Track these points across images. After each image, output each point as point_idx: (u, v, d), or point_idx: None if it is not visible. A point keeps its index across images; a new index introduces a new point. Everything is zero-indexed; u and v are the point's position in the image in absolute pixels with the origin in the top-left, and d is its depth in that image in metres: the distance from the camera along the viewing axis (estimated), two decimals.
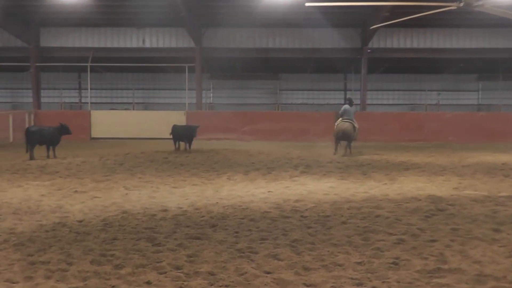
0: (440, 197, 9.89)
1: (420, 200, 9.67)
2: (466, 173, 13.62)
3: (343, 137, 18.01)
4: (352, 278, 5.41)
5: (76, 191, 10.56)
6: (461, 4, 10.87)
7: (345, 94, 34.57)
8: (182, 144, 19.57)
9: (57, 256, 6.16)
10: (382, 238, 6.94)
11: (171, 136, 19.62)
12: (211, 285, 5.27)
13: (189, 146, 19.27)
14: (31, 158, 15.87)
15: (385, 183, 11.82)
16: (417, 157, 17.71)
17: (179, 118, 25.71)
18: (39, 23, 27.37)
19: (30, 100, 29.14)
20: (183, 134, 19.37)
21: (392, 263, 5.89)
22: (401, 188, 11.15)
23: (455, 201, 9.58)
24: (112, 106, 33.18)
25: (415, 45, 27.46)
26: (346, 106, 18.48)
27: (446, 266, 5.78)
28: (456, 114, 27.14)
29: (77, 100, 35.02)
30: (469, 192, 10.69)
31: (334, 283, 5.29)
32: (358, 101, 29.82)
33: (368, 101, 30.67)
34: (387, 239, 6.91)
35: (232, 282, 5.33)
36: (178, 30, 27.45)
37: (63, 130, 16.71)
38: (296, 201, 9.59)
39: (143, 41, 27.82)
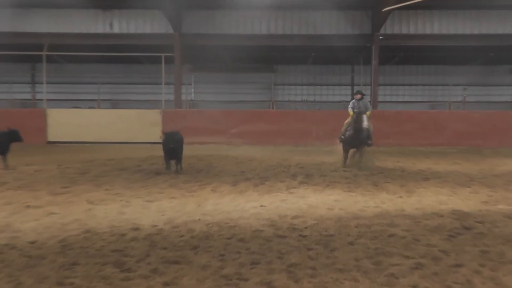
0: (466, 213, 9.90)
1: (442, 216, 9.67)
2: (498, 184, 13.65)
3: (360, 140, 16.56)
4: None
5: (28, 206, 10.47)
6: None
7: (352, 89, 34.73)
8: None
9: (4, 285, 6.10)
10: (397, 262, 6.92)
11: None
12: None
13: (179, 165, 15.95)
14: None
15: (401, 196, 11.82)
16: (438, 164, 17.74)
17: (153, 118, 25.70)
18: None
19: None
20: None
21: None
22: (420, 202, 11.14)
23: (484, 217, 9.59)
24: (73, 103, 33.12)
25: (436, 30, 27.57)
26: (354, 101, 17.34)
27: None
28: (485, 113, 27.25)
29: (30, 96, 34.93)
30: (502, 206, 10.71)
31: None
32: (368, 98, 29.95)
33: (380, 98, 30.82)
34: (403, 263, 6.90)
35: None
36: (153, 12, 27.47)
37: (12, 136, 16.30)
38: (294, 217, 9.56)
39: (111, 26, 27.80)
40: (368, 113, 16.72)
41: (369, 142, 16.79)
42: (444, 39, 27.63)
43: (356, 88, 32.88)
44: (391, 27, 27.48)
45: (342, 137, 17.09)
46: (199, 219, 9.41)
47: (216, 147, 23.65)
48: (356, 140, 16.54)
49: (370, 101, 27.41)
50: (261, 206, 10.61)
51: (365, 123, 16.18)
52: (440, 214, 9.83)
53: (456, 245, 7.79)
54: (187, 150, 21.00)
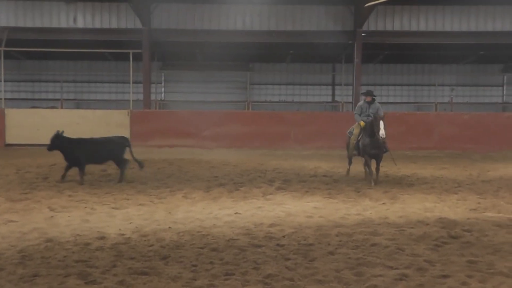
0: (453, 221, 10.00)
1: (428, 224, 9.76)
2: (488, 190, 13.82)
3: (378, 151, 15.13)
4: None
5: None
6: None
7: (333, 90, 34.89)
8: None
9: None
10: (380, 273, 6.97)
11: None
12: None
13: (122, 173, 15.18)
14: None
15: (384, 203, 11.91)
16: (425, 169, 17.89)
17: (120, 119, 25.60)
18: None
19: None
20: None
21: None
22: (404, 209, 11.24)
23: (472, 226, 9.69)
24: (34, 103, 32.87)
25: (422, 27, 27.80)
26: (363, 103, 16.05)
27: None
28: (475, 115, 27.49)
29: None
30: (491, 214, 10.83)
31: None
32: (349, 99, 30.11)
33: (363, 98, 30.93)
34: (386, 274, 6.95)
35: None
36: (120, 6, 27.41)
37: None
38: (271, 225, 9.61)
39: (74, 20, 27.66)
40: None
41: (385, 149, 15.29)
42: (431, 36, 27.84)
43: (337, 88, 33.05)
44: (374, 24, 27.66)
45: (354, 151, 15.83)
46: (170, 227, 9.42)
47: (187, 151, 23.62)
48: (375, 148, 14.97)
49: (352, 102, 27.62)
50: (235, 213, 10.64)
51: (383, 131, 14.53)
52: (425, 222, 9.92)
53: (443, 255, 7.86)
54: (156, 154, 21.00)
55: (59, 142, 14.59)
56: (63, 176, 14.48)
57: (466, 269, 7.19)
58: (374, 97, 15.98)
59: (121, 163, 14.92)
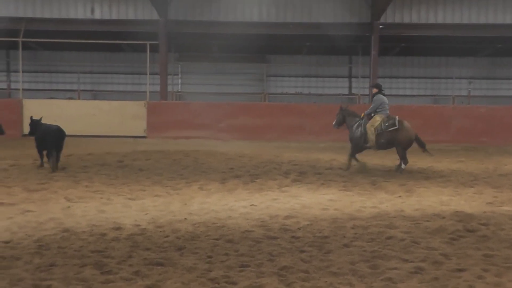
0: (469, 215, 9.95)
1: (444, 217, 9.72)
2: (504, 184, 13.75)
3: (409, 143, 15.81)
4: None
5: (1, 203, 10.49)
6: None
7: (350, 82, 34.73)
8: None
9: None
10: (395, 266, 6.97)
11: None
12: None
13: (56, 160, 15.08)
14: None
15: (400, 196, 11.88)
16: (441, 163, 17.81)
17: (137, 110, 25.67)
18: None
19: None
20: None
21: None
22: (420, 202, 11.21)
23: (489, 219, 9.65)
24: (51, 94, 32.97)
25: (440, 19, 27.62)
26: (381, 96, 16.11)
27: None
28: (492, 108, 27.29)
29: (5, 85, 34.76)
30: (508, 208, 10.78)
31: None
32: (366, 91, 30.01)
33: None
34: (401, 267, 6.94)
35: None
36: None
37: None
38: (286, 217, 9.61)
39: (92, 11, 27.71)
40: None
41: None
42: (449, 29, 27.65)
43: (354, 81, 32.93)
44: (392, 16, 27.50)
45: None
46: (185, 218, 9.44)
47: (203, 142, 23.63)
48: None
49: (368, 95, 27.51)
50: (251, 205, 10.65)
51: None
52: (441, 215, 9.88)
53: (458, 248, 7.84)
54: (172, 145, 21.04)
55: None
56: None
57: (482, 262, 7.17)
58: (379, 90, 16.28)
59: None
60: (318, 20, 27.39)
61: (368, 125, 15.68)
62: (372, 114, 15.90)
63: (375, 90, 16.40)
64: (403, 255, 7.42)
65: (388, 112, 15.90)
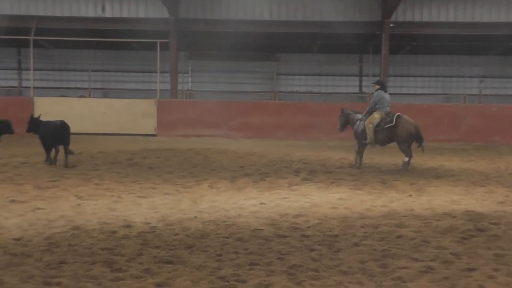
0: (480, 214, 9.92)
1: (454, 217, 9.69)
2: None
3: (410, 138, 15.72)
4: None
5: (13, 201, 10.51)
6: None
7: (361, 80, 34.64)
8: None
9: None
10: (405, 265, 6.95)
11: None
12: None
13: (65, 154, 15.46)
14: None
15: (410, 195, 11.85)
16: (452, 162, 17.77)
17: (148, 108, 25.72)
18: None
19: None
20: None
21: None
22: (431, 201, 11.18)
23: (500, 219, 9.61)
24: (62, 92, 33.08)
25: (451, 18, 27.54)
26: (382, 93, 16.12)
27: None
28: (503, 107, 27.19)
29: (16, 83, 34.89)
30: None
31: None
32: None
33: (390, 90, 30.57)
34: (411, 266, 6.93)
35: None
36: None
37: (2, 127, 16.39)
38: (296, 216, 9.61)
39: (103, 9, 27.78)
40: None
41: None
42: (460, 28, 27.56)
43: (364, 79, 32.86)
44: (403, 14, 27.44)
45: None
46: (195, 216, 9.46)
47: (213, 140, 23.67)
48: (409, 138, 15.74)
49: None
50: (261, 204, 10.65)
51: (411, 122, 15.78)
52: (452, 214, 9.85)
53: (469, 248, 7.81)
54: (183, 144, 21.07)
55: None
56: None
57: (492, 262, 7.14)
58: (381, 87, 16.36)
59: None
60: (328, 18, 27.35)
61: (366, 122, 15.82)
62: (372, 111, 16.03)
63: (377, 87, 16.44)
64: (413, 254, 7.40)
65: (388, 109, 15.99)
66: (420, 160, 17.22)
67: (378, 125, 15.65)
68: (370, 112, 16.01)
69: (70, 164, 15.07)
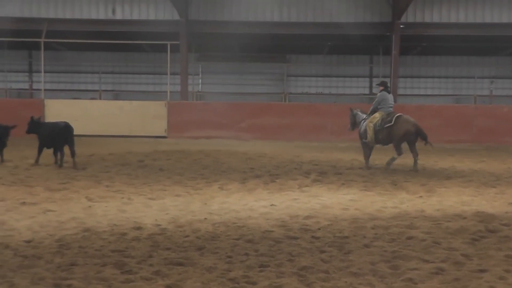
0: (491, 215, 9.85)
1: (465, 218, 9.64)
2: None
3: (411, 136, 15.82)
4: None
5: (23, 203, 10.53)
6: None
7: (371, 82, 34.62)
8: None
9: None
10: (416, 267, 6.92)
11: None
12: None
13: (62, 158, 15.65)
14: None
15: (421, 196, 11.81)
16: (462, 163, 17.70)
17: (158, 110, 25.76)
18: None
19: None
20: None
21: None
22: (441, 202, 11.14)
23: (511, 220, 9.55)
24: (73, 94, 33.19)
25: (461, 19, 27.48)
26: (385, 94, 16.27)
27: None
28: None
29: (27, 85, 35.04)
30: None
31: None
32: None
33: (400, 91, 30.75)
34: (422, 267, 6.90)
35: None
36: None
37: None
38: (306, 217, 9.58)
39: (113, 11, 27.87)
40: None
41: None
42: (471, 28, 27.52)
43: (374, 81, 32.80)
44: (413, 15, 27.41)
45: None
46: (205, 218, 9.44)
47: (223, 142, 23.68)
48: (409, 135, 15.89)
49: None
50: (271, 205, 10.63)
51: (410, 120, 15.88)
52: (463, 215, 9.80)
53: (480, 249, 7.77)
54: (193, 145, 21.09)
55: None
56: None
57: (503, 263, 7.10)
58: (384, 88, 16.48)
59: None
60: (338, 19, 27.36)
61: (367, 122, 16.11)
62: (375, 111, 16.29)
63: (381, 88, 16.58)
64: (424, 256, 7.37)
65: (391, 109, 16.18)
66: (430, 161, 17.21)
67: (378, 125, 15.85)
68: (373, 112, 16.26)
69: (80, 166, 15.11)
